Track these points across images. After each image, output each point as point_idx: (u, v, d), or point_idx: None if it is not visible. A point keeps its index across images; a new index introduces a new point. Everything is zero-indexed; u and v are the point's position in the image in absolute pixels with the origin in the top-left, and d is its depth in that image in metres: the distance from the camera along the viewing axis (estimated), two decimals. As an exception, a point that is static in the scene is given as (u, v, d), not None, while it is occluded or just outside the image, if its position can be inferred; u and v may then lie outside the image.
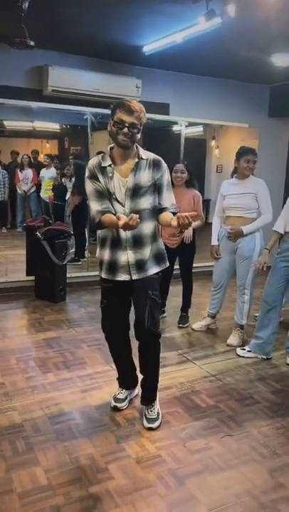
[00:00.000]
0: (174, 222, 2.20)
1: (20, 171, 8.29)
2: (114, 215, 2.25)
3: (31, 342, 3.73)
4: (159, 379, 2.62)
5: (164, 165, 2.42)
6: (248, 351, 3.51)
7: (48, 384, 2.97)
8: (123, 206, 2.31)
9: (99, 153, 7.74)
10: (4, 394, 2.81)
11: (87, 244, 6.22)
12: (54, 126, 9.35)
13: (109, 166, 2.31)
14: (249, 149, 3.67)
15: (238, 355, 3.52)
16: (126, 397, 2.74)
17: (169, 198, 2.42)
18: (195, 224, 3.96)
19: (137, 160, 2.33)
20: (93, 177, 2.33)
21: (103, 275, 2.47)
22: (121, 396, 2.73)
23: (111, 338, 2.65)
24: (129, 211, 2.27)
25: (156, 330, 2.45)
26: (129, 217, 2.07)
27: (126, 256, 2.36)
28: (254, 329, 3.58)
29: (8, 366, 3.22)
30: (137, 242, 2.35)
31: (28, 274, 5.09)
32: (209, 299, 4.10)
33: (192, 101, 6.16)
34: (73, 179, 6.63)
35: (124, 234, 2.32)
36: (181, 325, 4.16)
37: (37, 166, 8.45)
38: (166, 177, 2.42)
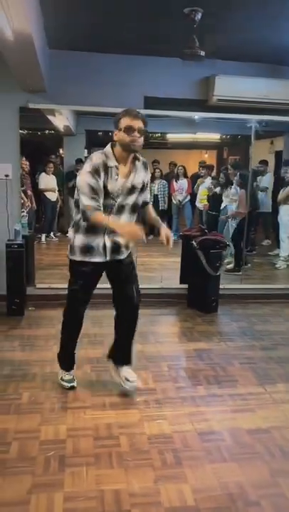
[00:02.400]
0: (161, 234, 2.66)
1: (175, 181, 8.53)
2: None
3: (182, 351, 3.72)
4: None
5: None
6: None
7: (198, 397, 2.90)
8: (114, 201, 2.56)
9: (262, 162, 7.55)
10: (155, 400, 2.83)
11: (244, 255, 6.04)
12: (215, 137, 9.38)
13: (115, 166, 2.52)
14: None
15: None
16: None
17: (148, 194, 2.80)
18: None
19: (136, 162, 2.61)
20: (96, 173, 2.47)
21: (79, 258, 2.67)
22: (70, 377, 2.95)
23: (80, 313, 2.86)
24: (117, 205, 2.58)
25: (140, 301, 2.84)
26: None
27: (103, 240, 2.61)
28: None
29: (160, 372, 3.25)
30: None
31: (181, 282, 5.13)
32: None
33: None
34: (236, 189, 6.47)
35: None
36: None
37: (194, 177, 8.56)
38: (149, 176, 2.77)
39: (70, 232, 2.74)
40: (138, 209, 2.74)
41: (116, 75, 4.89)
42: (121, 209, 2.63)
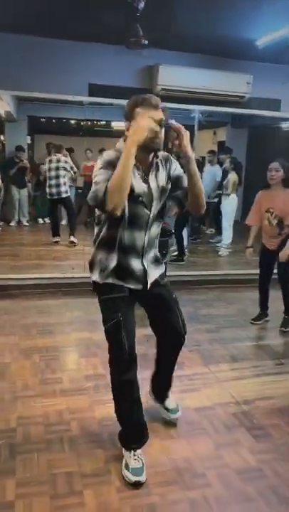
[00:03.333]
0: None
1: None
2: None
3: (131, 337, 3.79)
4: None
5: (173, 159, 2.15)
6: None
7: (145, 380, 2.98)
8: (148, 210, 2.02)
9: (210, 152, 7.71)
10: (105, 385, 2.86)
11: (186, 243, 6.20)
12: (159, 126, 9.51)
13: (135, 166, 1.91)
14: None
15: None
16: (143, 464, 2.07)
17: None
18: None
19: (154, 163, 2.04)
20: (111, 166, 1.87)
21: (110, 280, 2.08)
22: (139, 464, 2.05)
23: (131, 364, 2.13)
24: (152, 215, 2.04)
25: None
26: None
27: (139, 262, 2.07)
28: None
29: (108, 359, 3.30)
30: (149, 246, 2.10)
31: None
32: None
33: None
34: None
35: (142, 239, 2.04)
36: (283, 328, 3.94)
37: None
38: (178, 165, 2.14)
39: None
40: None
41: (60, 61, 4.83)
42: (155, 220, 2.08)
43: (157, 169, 2.05)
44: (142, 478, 2.00)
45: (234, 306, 4.66)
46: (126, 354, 2.07)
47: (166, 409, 2.50)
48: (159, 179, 2.05)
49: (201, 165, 7.51)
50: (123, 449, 2.13)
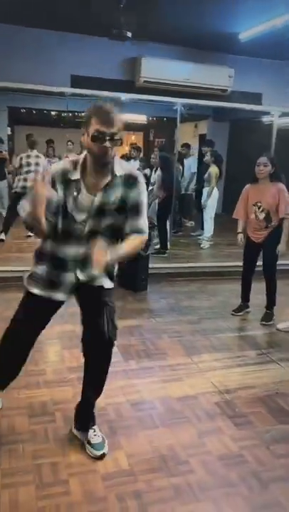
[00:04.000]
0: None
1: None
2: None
3: (114, 329, 3.82)
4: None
5: (142, 182, 2.00)
6: None
7: (130, 371, 3.02)
8: (82, 225, 1.95)
9: (184, 145, 7.74)
10: (89, 376, 2.90)
11: (169, 236, 6.24)
12: (141, 118, 9.48)
13: (77, 180, 1.91)
14: None
15: None
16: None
17: (140, 220, 2.01)
18: (286, 232, 3.83)
19: (110, 177, 1.92)
20: (52, 181, 1.88)
21: (35, 290, 2.08)
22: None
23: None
24: (89, 230, 1.96)
25: (115, 338, 2.15)
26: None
27: (72, 276, 2.04)
28: None
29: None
30: (87, 262, 1.95)
31: (111, 263, 5.20)
32: (297, 298, 3.91)
33: (286, 90, 5.88)
34: (158, 172, 6.63)
35: (73, 253, 2.00)
36: (264, 322, 4.02)
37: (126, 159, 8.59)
38: (143, 197, 2.00)
39: None
40: (116, 235, 2.02)
41: (41, 51, 4.77)
42: (94, 236, 1.94)
43: (110, 187, 1.93)
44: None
45: (216, 298, 4.73)
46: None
47: (88, 442, 2.19)
48: (104, 196, 1.93)
49: (182, 157, 7.54)
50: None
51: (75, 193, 1.92)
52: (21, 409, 2.49)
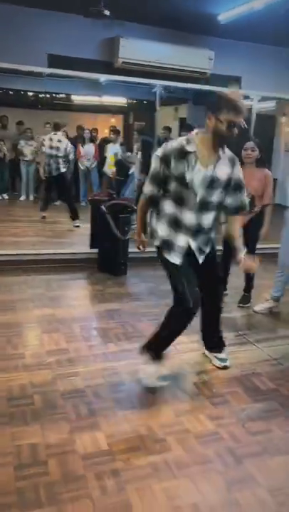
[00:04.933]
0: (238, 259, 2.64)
1: (82, 146, 8.38)
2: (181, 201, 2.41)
3: (94, 312, 3.83)
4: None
5: (239, 163, 2.53)
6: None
7: (110, 353, 3.05)
8: (195, 195, 2.37)
9: (165, 128, 7.69)
10: (68, 360, 2.92)
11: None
12: (121, 101, 9.35)
13: (194, 152, 2.33)
14: None
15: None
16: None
17: (242, 196, 2.54)
18: (268, 216, 3.89)
19: (220, 153, 2.39)
20: (165, 160, 2.37)
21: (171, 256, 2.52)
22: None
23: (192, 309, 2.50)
24: (200, 201, 2.39)
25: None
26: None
27: (186, 240, 2.47)
28: None
29: (72, 333, 3.33)
30: (199, 231, 2.48)
31: (91, 247, 5.19)
32: (273, 281, 3.98)
33: (266, 74, 5.90)
34: (139, 155, 6.59)
35: (189, 220, 2.43)
36: (241, 304, 4.09)
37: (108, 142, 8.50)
38: (242, 176, 2.51)
39: None
40: (226, 210, 2.59)
41: (15, 29, 4.62)
42: (204, 206, 2.43)
43: (219, 162, 2.40)
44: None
45: (195, 282, 4.77)
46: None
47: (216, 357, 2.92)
48: (218, 170, 2.39)
49: (162, 141, 7.48)
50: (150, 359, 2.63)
51: (193, 163, 2.33)
52: (0, 392, 2.49)
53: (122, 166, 7.38)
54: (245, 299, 4.13)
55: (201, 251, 2.55)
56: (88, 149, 8.40)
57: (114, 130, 8.51)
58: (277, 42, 5.67)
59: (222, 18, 4.59)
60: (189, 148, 2.34)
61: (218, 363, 2.93)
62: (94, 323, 3.61)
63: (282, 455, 2.14)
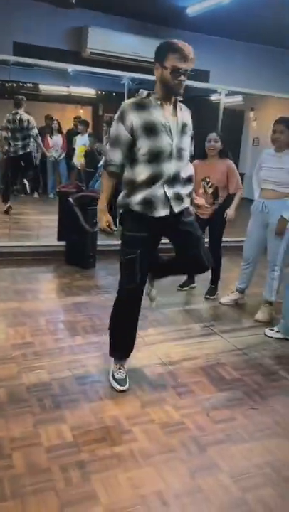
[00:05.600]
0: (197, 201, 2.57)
1: (50, 136, 8.25)
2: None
3: (61, 305, 3.80)
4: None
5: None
6: (277, 332, 3.44)
7: (76, 346, 3.04)
8: (171, 141, 2.23)
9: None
10: (34, 353, 2.89)
11: (118, 212, 6.21)
12: (90, 92, 9.24)
13: (156, 100, 2.23)
14: (279, 118, 3.53)
15: (266, 335, 3.46)
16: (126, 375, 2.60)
17: (192, 148, 2.46)
18: (236, 200, 3.96)
19: (176, 101, 2.31)
20: (123, 118, 2.20)
21: (137, 210, 2.31)
22: (123, 375, 2.58)
23: (136, 293, 2.45)
24: (176, 147, 2.25)
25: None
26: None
27: (163, 191, 2.27)
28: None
29: (38, 327, 3.29)
30: (176, 180, 2.32)
31: (59, 240, 5.14)
32: (239, 273, 4.06)
33: (234, 68, 5.96)
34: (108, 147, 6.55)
35: (167, 171, 2.26)
36: (208, 296, 4.15)
37: (75, 133, 8.40)
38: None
39: None
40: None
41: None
42: (180, 153, 2.28)
43: (180, 110, 2.31)
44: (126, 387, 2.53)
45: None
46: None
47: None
48: (184, 117, 2.31)
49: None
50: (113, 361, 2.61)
51: (157, 111, 2.22)
52: None
53: (92, 157, 7.32)
54: (212, 291, 4.20)
55: (178, 199, 2.34)
56: (56, 140, 8.29)
57: (81, 121, 8.41)
58: (247, 38, 5.74)
59: (190, 11, 4.59)
60: (149, 98, 2.25)
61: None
62: (61, 316, 3.58)
63: (245, 442, 2.19)
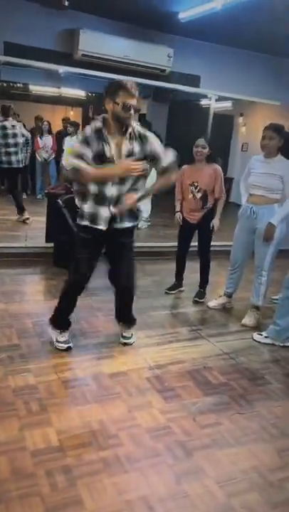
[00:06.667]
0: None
1: (39, 137, 8.21)
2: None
3: (48, 307, 3.75)
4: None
5: (151, 134, 2.72)
6: (265, 337, 3.46)
7: (64, 349, 3.01)
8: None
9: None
10: (20, 355, 2.87)
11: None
12: (80, 93, 9.22)
13: (108, 131, 2.58)
14: (269, 124, 3.57)
15: (254, 340, 3.47)
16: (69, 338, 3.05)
17: (166, 157, 2.75)
18: (219, 208, 3.99)
19: (128, 132, 2.61)
20: (86, 142, 2.56)
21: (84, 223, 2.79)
22: (66, 337, 3.02)
23: (81, 281, 3.04)
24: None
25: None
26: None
27: (107, 210, 2.68)
28: (270, 312, 3.55)
29: (25, 329, 3.27)
30: (119, 201, 2.69)
31: (47, 241, 5.11)
32: (226, 278, 4.08)
33: (224, 74, 5.99)
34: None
35: (110, 192, 2.64)
36: (197, 299, 4.17)
37: (65, 134, 8.35)
38: (158, 143, 2.72)
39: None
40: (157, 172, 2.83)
41: None
42: (123, 179, 2.65)
43: (130, 139, 2.62)
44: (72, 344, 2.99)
45: (152, 278, 4.81)
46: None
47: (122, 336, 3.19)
48: (129, 146, 2.61)
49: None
50: (52, 329, 3.05)
51: (108, 145, 2.57)
52: None
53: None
54: (200, 295, 4.21)
55: (120, 219, 2.76)
56: (46, 141, 8.24)
57: (71, 122, 8.38)
58: (237, 44, 5.78)
59: (182, 17, 4.62)
60: (104, 129, 2.58)
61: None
62: (47, 319, 3.54)
63: (231, 447, 2.20)
